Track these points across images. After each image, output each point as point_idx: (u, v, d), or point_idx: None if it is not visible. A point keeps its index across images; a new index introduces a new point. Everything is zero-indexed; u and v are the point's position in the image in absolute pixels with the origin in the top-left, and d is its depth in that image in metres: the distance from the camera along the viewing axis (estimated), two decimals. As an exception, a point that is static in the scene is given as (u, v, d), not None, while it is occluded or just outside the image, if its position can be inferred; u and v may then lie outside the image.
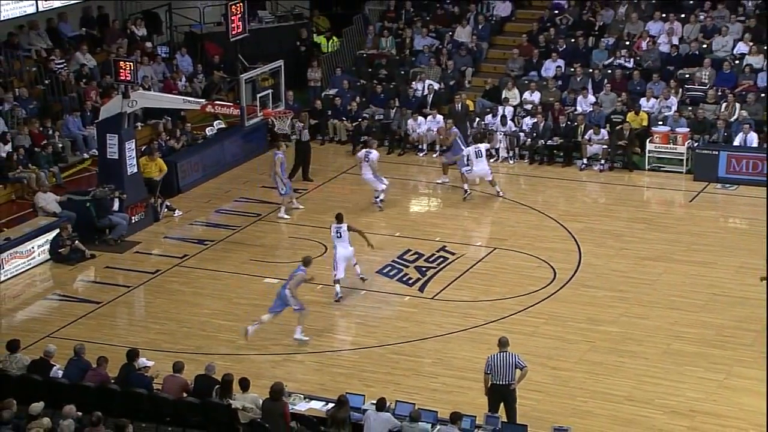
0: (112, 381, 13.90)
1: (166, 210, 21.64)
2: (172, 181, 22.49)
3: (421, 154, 24.77)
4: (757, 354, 15.59)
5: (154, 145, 22.63)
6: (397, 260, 19.21)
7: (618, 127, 23.55)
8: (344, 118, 25.80)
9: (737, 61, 25.02)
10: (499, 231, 20.51)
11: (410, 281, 18.45)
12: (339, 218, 18.28)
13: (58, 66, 24.66)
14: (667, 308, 17.17)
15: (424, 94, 25.76)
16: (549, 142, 23.98)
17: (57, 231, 19.66)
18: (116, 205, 20.47)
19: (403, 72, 27.19)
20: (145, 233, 20.80)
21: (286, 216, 21.42)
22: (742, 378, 15.07)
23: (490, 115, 24.67)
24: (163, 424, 13.26)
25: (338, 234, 18.05)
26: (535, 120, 24.26)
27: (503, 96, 25.29)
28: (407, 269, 18.86)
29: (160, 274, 19.02)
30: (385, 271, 18.85)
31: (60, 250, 19.52)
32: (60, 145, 22.99)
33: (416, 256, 19.35)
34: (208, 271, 19.12)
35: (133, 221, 20.76)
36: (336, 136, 25.87)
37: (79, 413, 12.72)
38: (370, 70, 27.62)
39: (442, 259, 19.25)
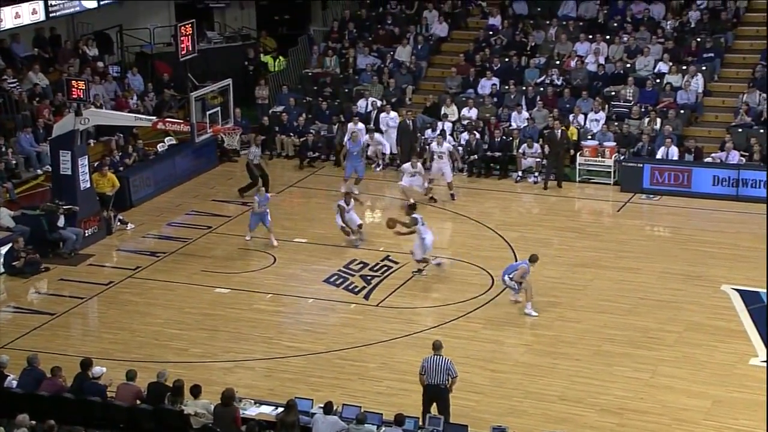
0: (68, 390, 13.87)
1: (118, 223, 21.71)
2: (125, 196, 22.56)
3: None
4: (680, 353, 16.25)
5: (106, 161, 22.65)
6: (343, 269, 19.53)
7: (547, 132, 23.96)
8: (291, 134, 26.05)
9: (658, 80, 25.75)
10: (440, 240, 20.41)
11: (356, 289, 18.74)
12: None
13: (11, 85, 24.60)
14: (597, 312, 17.65)
15: (368, 110, 26.15)
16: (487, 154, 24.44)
17: (10, 245, 19.67)
18: (61, 221, 20.39)
19: (347, 90, 27.47)
20: (98, 246, 20.86)
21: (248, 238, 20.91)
22: (666, 376, 15.58)
23: (429, 130, 25.22)
24: (117, 430, 13.28)
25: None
26: (473, 135, 24.88)
27: (442, 112, 25.77)
28: (353, 278, 19.15)
29: (113, 285, 19.11)
30: (331, 280, 19.16)
31: (14, 263, 19.56)
32: (13, 162, 22.95)
33: (361, 265, 19.67)
34: (160, 282, 19.28)
35: (87, 235, 20.74)
36: (283, 152, 26.13)
37: (33, 422, 12.65)
38: (315, 87, 27.81)
39: (386, 267, 19.56)
